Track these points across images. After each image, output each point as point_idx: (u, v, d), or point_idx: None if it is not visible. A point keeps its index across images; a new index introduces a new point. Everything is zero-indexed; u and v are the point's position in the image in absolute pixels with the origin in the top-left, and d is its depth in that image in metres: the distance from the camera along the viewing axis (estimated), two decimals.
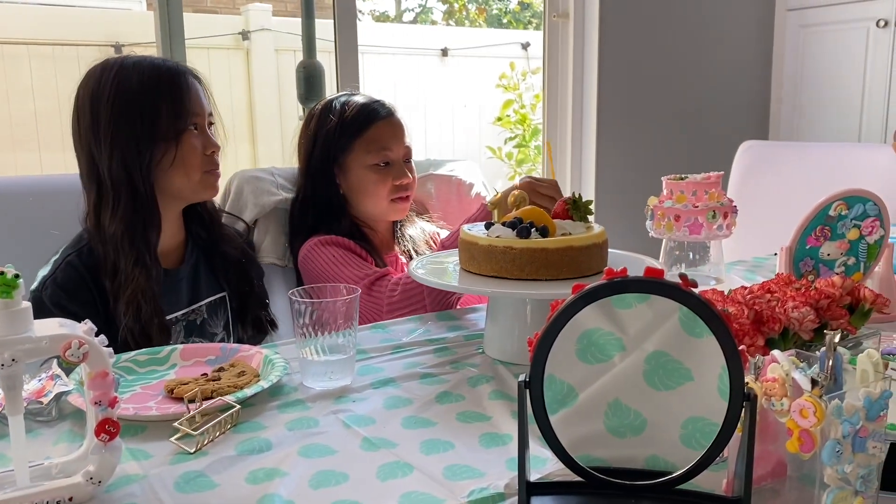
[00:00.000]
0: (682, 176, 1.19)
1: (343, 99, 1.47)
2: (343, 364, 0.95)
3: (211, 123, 1.29)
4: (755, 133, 3.10)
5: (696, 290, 0.58)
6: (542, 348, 0.63)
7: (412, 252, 1.50)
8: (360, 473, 0.72)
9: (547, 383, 0.69)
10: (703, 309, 0.58)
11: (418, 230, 1.55)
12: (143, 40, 3.59)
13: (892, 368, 0.71)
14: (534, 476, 0.72)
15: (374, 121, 1.45)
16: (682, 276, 0.58)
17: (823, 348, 0.67)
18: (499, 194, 1.08)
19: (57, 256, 1.21)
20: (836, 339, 0.67)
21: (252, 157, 4.28)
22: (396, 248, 1.52)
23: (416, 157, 1.68)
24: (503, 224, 1.03)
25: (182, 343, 1.26)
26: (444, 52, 4.90)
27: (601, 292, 0.60)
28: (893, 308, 1.21)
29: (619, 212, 2.75)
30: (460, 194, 1.72)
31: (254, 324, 1.34)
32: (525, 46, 4.93)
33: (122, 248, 1.16)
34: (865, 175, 2.06)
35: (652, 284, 0.58)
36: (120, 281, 1.15)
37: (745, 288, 0.87)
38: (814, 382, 0.60)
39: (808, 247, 1.19)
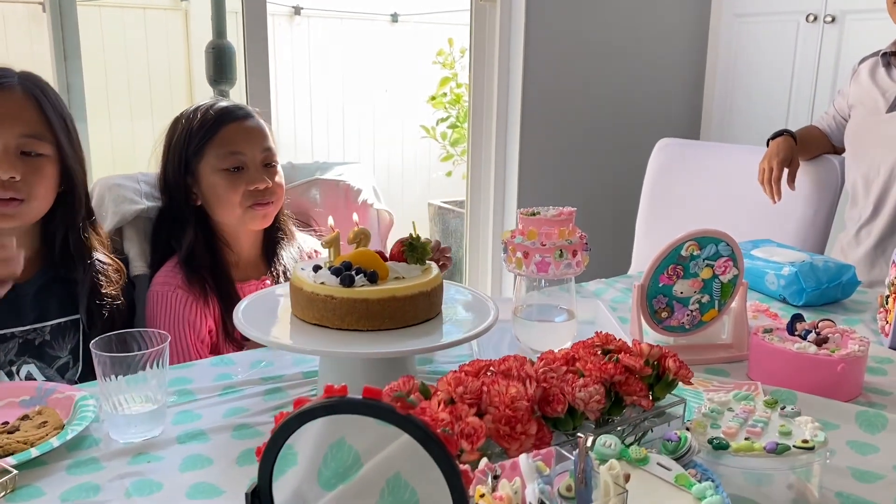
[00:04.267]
0: (535, 211, 1.16)
1: (200, 106, 1.39)
2: (149, 416, 0.92)
3: (34, 150, 1.18)
4: (686, 128, 3.08)
5: (411, 413, 0.55)
6: (265, 464, 0.60)
7: (285, 276, 1.43)
8: None
9: (334, 450, 0.66)
10: (418, 433, 0.55)
11: (295, 249, 1.48)
12: None
13: (659, 465, 0.70)
14: None
15: (225, 123, 1.36)
16: (399, 398, 0.56)
17: (577, 451, 0.65)
18: (334, 233, 1.04)
19: None
20: (588, 444, 0.65)
21: None
22: (268, 272, 1.44)
23: (304, 157, 1.63)
24: (331, 268, 0.99)
25: (12, 359, 1.22)
26: (394, 18, 4.76)
27: (316, 413, 0.57)
28: (743, 346, 1.21)
29: (542, 203, 2.72)
30: (348, 200, 1.68)
31: None
32: None
33: None
34: None
35: (366, 407, 0.56)
36: None
37: (548, 356, 0.85)
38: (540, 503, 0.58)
39: (661, 284, 1.18)
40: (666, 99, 3.03)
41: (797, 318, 1.12)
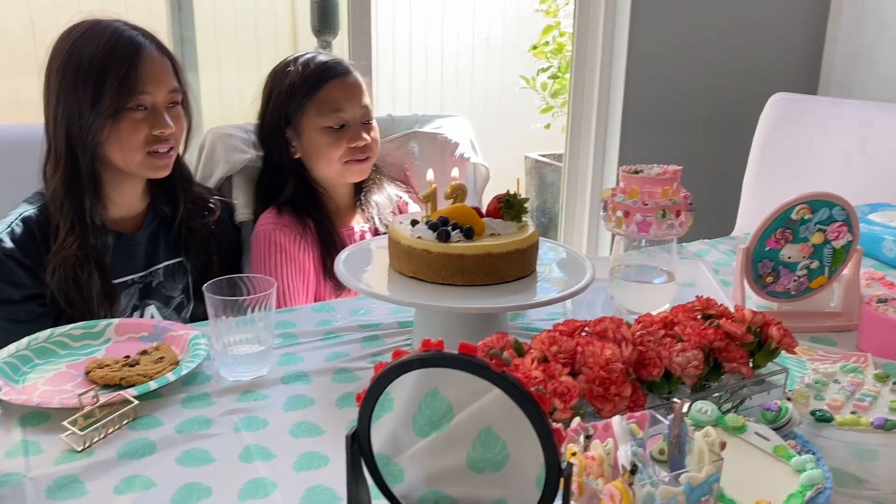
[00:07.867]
0: (638, 169, 1.13)
1: (299, 59, 1.42)
2: (257, 357, 0.97)
3: (176, 102, 1.27)
4: (803, 81, 2.89)
5: (505, 370, 0.56)
6: (365, 410, 0.62)
7: (376, 220, 1.48)
8: (223, 490, 0.75)
9: (428, 399, 0.69)
10: (512, 389, 0.56)
11: (385, 197, 1.52)
12: None
13: (757, 434, 0.68)
14: None
15: (327, 80, 1.39)
16: (494, 355, 0.57)
17: (671, 416, 0.65)
18: (431, 187, 1.05)
19: (17, 209, 1.24)
20: (685, 409, 0.65)
21: None
22: (360, 216, 1.50)
23: (403, 110, 1.64)
24: (428, 222, 1.00)
25: (136, 304, 1.30)
26: None
27: (414, 364, 0.59)
28: (853, 315, 1.15)
29: (644, 158, 2.65)
30: (445, 153, 1.68)
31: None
32: None
33: (60, 211, 1.19)
34: (892, 141, 1.92)
35: (461, 362, 0.57)
36: (56, 244, 1.18)
37: (646, 319, 0.84)
38: (633, 467, 0.58)
39: (767, 248, 1.13)
40: (782, 50, 2.85)
41: None
